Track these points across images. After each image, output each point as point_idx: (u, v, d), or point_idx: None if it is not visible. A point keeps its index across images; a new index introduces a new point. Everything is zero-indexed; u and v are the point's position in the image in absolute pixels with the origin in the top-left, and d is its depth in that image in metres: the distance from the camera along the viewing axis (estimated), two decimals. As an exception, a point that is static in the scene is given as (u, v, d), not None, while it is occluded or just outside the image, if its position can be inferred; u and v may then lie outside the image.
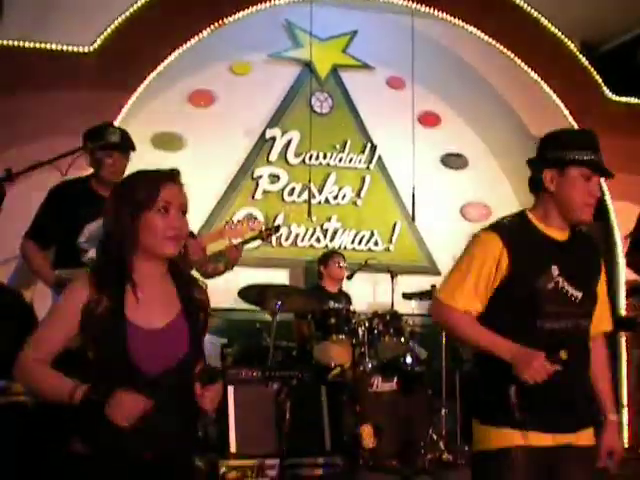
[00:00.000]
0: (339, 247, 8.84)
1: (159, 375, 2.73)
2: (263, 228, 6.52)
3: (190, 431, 2.90)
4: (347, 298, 7.78)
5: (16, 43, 7.45)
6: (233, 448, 5.80)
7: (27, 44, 7.48)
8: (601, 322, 3.34)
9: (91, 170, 5.14)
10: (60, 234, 4.89)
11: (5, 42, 7.45)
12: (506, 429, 3.08)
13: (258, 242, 7.30)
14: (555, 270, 3.11)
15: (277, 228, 7.07)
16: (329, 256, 7.99)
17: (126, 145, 5.16)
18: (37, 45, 7.49)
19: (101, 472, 2.70)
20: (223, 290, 7.48)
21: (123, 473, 2.71)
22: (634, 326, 7.70)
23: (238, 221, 6.18)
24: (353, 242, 9.05)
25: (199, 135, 8.65)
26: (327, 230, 9.01)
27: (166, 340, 2.77)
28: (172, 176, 2.85)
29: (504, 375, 3.04)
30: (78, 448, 2.73)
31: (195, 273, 5.60)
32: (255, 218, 6.92)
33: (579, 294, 3.15)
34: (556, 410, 3.09)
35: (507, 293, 3.13)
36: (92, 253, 4.74)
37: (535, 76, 8.87)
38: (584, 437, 3.16)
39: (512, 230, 3.20)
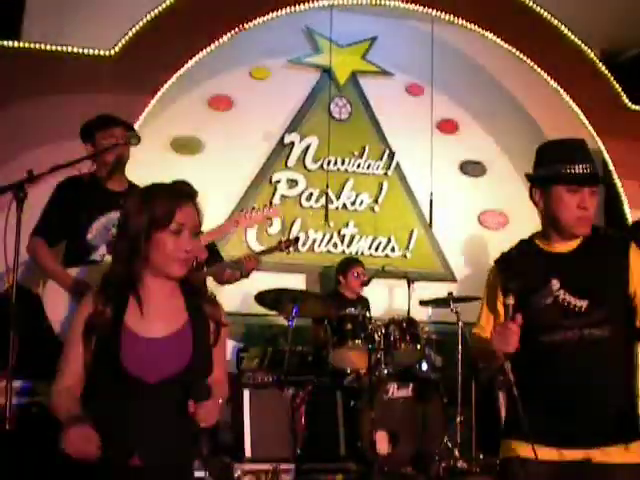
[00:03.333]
0: (356, 253, 8.85)
1: (156, 384, 2.73)
2: (282, 239, 6.49)
3: (187, 442, 2.87)
4: (365, 304, 7.76)
5: (37, 46, 7.50)
6: (248, 452, 5.81)
7: (48, 47, 7.54)
8: None
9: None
10: (68, 230, 4.78)
11: (26, 45, 7.51)
12: (509, 440, 3.13)
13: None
14: (555, 284, 3.08)
15: (296, 240, 7.05)
16: (348, 266, 7.91)
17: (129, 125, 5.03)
18: (58, 48, 7.55)
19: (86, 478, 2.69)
20: (240, 295, 7.51)
21: None
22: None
23: (253, 208, 6.11)
24: (370, 248, 9.04)
25: (218, 139, 8.68)
26: (344, 236, 9.01)
27: (166, 350, 2.77)
28: (190, 196, 2.83)
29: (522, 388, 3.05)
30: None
31: (210, 280, 5.61)
32: (271, 204, 6.83)
33: (583, 303, 3.07)
34: (563, 423, 3.03)
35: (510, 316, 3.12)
36: (102, 250, 4.71)
37: (555, 84, 8.86)
38: (612, 454, 3.02)
39: (511, 256, 3.28)
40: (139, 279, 2.81)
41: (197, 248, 2.87)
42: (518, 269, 3.18)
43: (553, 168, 3.15)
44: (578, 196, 3.12)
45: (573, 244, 3.20)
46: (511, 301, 2.99)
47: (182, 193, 2.83)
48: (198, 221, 2.84)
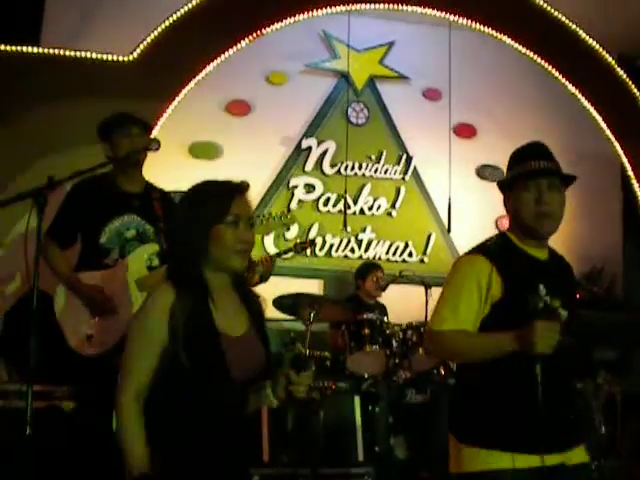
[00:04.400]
0: (373, 258, 8.85)
1: (245, 384, 2.79)
2: (298, 241, 6.48)
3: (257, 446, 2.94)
4: (383, 309, 7.74)
5: (56, 52, 7.55)
6: (266, 456, 5.80)
7: (67, 53, 7.58)
8: None
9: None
10: (81, 233, 4.70)
11: (45, 51, 7.55)
12: (493, 451, 3.02)
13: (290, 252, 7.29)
14: (542, 289, 3.01)
15: (312, 242, 7.03)
16: (369, 270, 7.89)
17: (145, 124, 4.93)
18: (77, 54, 7.59)
19: None
20: (257, 299, 7.51)
21: None
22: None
23: (269, 214, 6.15)
24: (387, 253, 9.04)
25: (236, 144, 8.70)
26: (362, 241, 9.01)
27: (248, 347, 2.82)
28: (242, 189, 2.87)
29: (492, 394, 3.06)
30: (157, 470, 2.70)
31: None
32: (288, 211, 6.85)
33: (564, 312, 3.05)
34: (543, 430, 2.98)
35: (500, 315, 3.07)
36: (115, 254, 4.62)
37: (572, 89, 8.85)
38: (577, 455, 3.09)
39: (498, 251, 3.16)
40: (203, 276, 2.81)
41: (253, 239, 2.89)
42: (510, 267, 3.11)
43: (515, 168, 3.21)
44: (535, 191, 3.13)
45: (545, 253, 3.22)
46: (558, 304, 2.95)
47: (236, 185, 2.87)
48: (251, 212, 2.88)
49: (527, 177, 3.15)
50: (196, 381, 2.71)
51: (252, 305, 2.94)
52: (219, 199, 2.80)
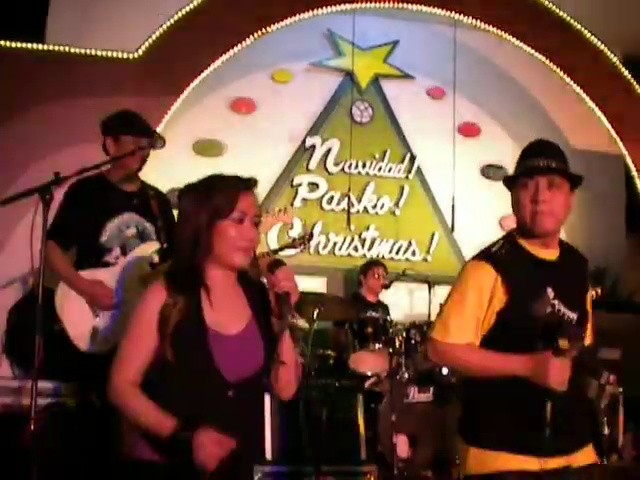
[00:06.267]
0: (377, 256, 8.85)
1: (240, 383, 2.72)
2: (297, 237, 6.46)
3: (255, 438, 2.87)
4: (385, 308, 7.75)
5: (62, 49, 7.55)
6: (268, 455, 5.81)
7: (73, 50, 7.58)
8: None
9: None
10: (81, 233, 4.67)
11: (51, 48, 7.55)
12: (497, 452, 2.97)
13: (294, 250, 7.28)
14: (550, 293, 2.97)
15: (310, 236, 7.05)
16: (369, 267, 7.93)
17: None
18: (82, 51, 7.59)
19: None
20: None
21: None
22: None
23: (267, 212, 6.16)
24: (391, 251, 9.05)
25: (240, 142, 8.71)
26: (365, 239, 9.02)
27: (244, 347, 2.76)
28: (250, 186, 2.84)
29: (498, 396, 2.99)
30: (145, 454, 2.71)
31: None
32: (285, 209, 6.86)
33: (574, 315, 3.02)
34: (550, 432, 2.91)
35: (505, 322, 2.99)
36: (116, 252, 4.63)
37: (577, 88, 8.84)
38: (583, 457, 3.03)
39: (503, 257, 3.05)
40: (203, 272, 2.78)
41: (257, 238, 2.85)
42: (516, 273, 3.00)
43: (517, 169, 3.13)
44: (531, 190, 3.02)
45: (555, 252, 3.11)
46: (567, 345, 2.84)
47: (243, 182, 2.84)
48: (257, 211, 2.84)
49: (525, 175, 3.04)
50: (183, 380, 2.68)
51: (257, 302, 2.87)
52: (227, 194, 2.77)
